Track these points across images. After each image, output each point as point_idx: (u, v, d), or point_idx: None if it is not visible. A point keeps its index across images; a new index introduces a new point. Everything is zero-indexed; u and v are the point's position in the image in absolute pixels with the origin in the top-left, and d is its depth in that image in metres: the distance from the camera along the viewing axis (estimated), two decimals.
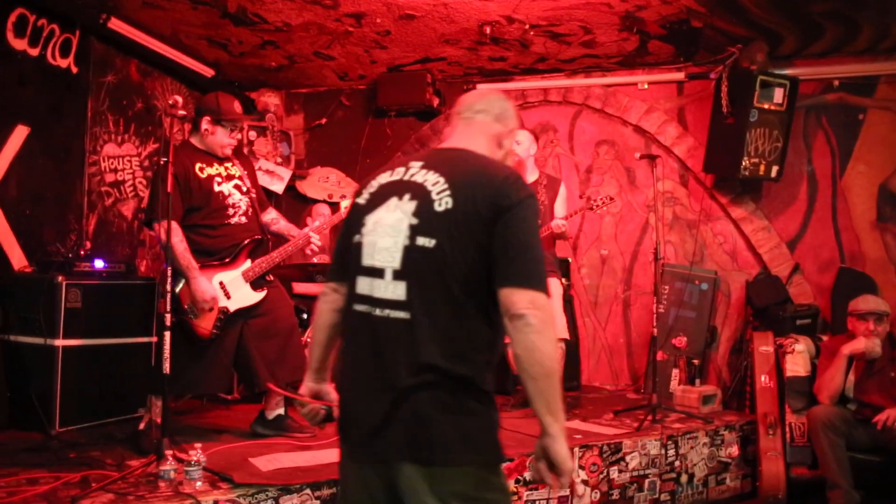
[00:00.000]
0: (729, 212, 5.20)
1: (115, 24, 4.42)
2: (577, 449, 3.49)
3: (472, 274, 1.55)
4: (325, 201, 5.69)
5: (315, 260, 4.54)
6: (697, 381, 4.81)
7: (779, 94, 4.69)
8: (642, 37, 4.76)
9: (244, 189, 3.51)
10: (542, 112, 5.69)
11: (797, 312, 4.70)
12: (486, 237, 1.55)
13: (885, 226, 4.86)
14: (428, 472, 1.52)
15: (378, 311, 1.60)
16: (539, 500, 3.36)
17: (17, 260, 3.95)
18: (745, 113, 4.66)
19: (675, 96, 5.37)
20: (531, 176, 4.45)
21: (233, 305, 3.37)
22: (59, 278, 3.60)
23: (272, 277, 3.56)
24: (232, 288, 3.37)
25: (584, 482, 3.50)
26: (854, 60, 4.86)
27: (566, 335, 4.28)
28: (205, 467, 2.71)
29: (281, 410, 3.60)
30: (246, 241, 3.43)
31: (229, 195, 3.44)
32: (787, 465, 4.00)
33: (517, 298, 1.51)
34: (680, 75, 5.28)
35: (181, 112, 2.97)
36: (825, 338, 4.42)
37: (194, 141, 3.48)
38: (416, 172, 1.68)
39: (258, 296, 3.44)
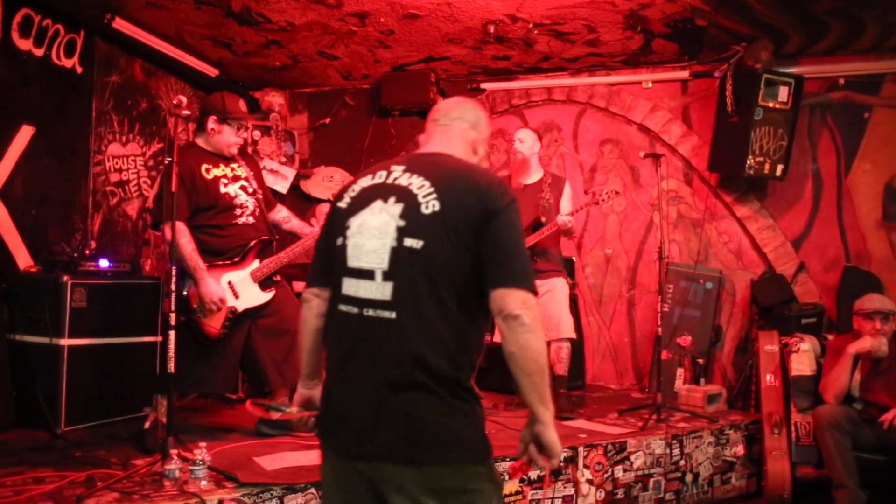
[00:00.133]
0: (734, 210, 5.18)
1: (120, 24, 4.43)
2: (581, 448, 3.49)
3: (458, 274, 1.61)
4: (329, 201, 5.65)
5: None
6: (702, 380, 4.80)
7: (783, 93, 4.68)
8: (646, 35, 4.75)
9: (250, 190, 3.52)
10: (546, 111, 5.68)
11: (802, 311, 4.69)
12: (474, 239, 1.61)
13: (891, 224, 4.85)
14: (421, 471, 1.56)
15: (366, 312, 1.64)
16: (543, 499, 3.36)
17: (23, 260, 3.97)
18: (749, 111, 4.65)
19: (679, 95, 5.36)
20: (535, 175, 4.45)
21: (241, 305, 3.38)
22: (65, 278, 3.61)
23: (279, 277, 3.57)
24: (240, 288, 3.38)
25: (589, 481, 3.50)
26: (859, 59, 4.84)
27: (573, 335, 4.28)
28: (210, 466, 2.72)
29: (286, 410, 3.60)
30: (254, 242, 3.45)
31: (236, 196, 3.45)
32: (793, 464, 3.99)
33: (510, 300, 1.57)
34: (684, 74, 5.27)
35: (185, 112, 2.98)
36: (831, 337, 4.41)
37: (200, 142, 3.49)
38: (400, 176, 1.72)
39: (266, 296, 3.46)
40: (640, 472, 3.70)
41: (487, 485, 1.64)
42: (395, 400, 1.58)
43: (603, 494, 3.55)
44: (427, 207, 1.64)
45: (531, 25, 4.59)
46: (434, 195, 1.65)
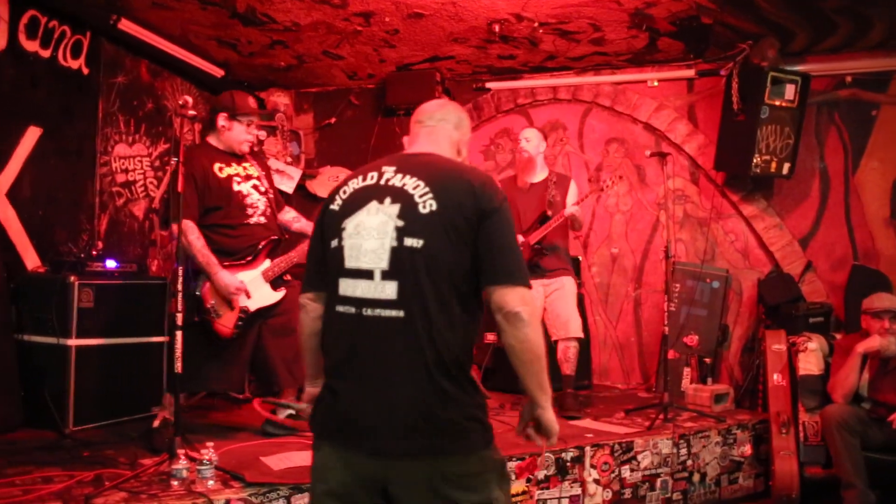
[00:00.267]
0: (740, 209, 5.17)
1: (125, 25, 4.44)
2: (588, 448, 3.48)
3: (457, 271, 1.66)
4: None
5: None
6: (709, 379, 4.78)
7: (790, 91, 4.66)
8: (652, 34, 4.74)
9: (262, 189, 3.53)
10: (551, 110, 5.68)
11: (810, 310, 4.67)
12: (472, 237, 1.67)
13: None
14: (433, 463, 1.61)
15: (365, 311, 1.67)
16: (550, 499, 3.36)
17: (31, 260, 3.98)
18: (756, 110, 4.63)
19: (685, 93, 5.34)
20: (541, 174, 4.45)
21: (253, 305, 3.40)
22: (72, 278, 3.63)
23: (289, 277, 3.58)
24: (252, 287, 3.40)
25: (596, 481, 3.49)
26: (867, 56, 4.81)
27: (581, 334, 4.28)
28: (217, 466, 2.73)
29: (292, 411, 3.61)
30: (265, 241, 3.45)
31: (248, 195, 3.46)
32: (801, 464, 3.97)
33: (510, 297, 1.65)
34: (690, 72, 5.25)
35: (191, 112, 2.98)
36: (839, 336, 4.39)
37: (212, 140, 3.50)
38: (393, 177, 1.75)
39: (277, 295, 3.47)
40: (647, 472, 3.69)
41: (492, 465, 1.71)
42: (405, 396, 1.62)
43: (610, 494, 3.54)
44: (424, 207, 1.67)
45: (536, 24, 4.59)
46: (430, 195, 1.69)
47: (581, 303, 4.77)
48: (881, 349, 3.78)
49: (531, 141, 4.42)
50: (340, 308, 1.72)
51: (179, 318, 2.88)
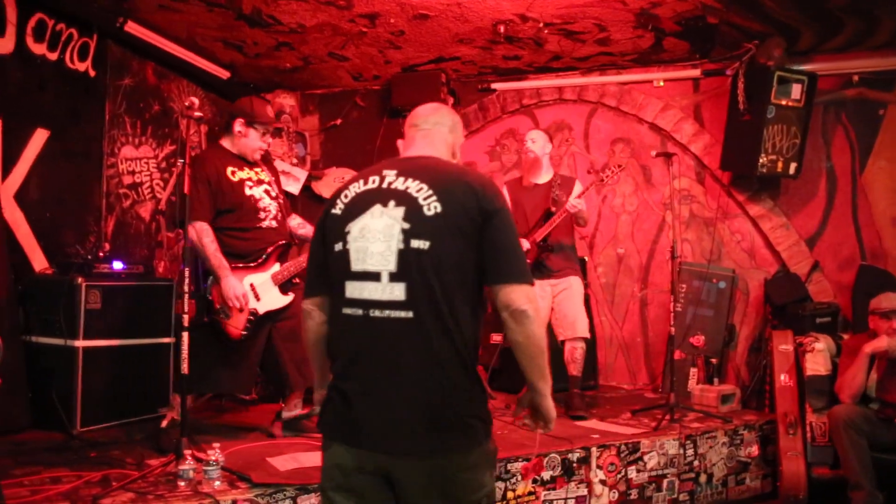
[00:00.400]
0: (746, 209, 5.15)
1: (132, 28, 4.46)
2: (594, 448, 3.48)
3: (463, 271, 1.71)
4: None
5: None
6: (716, 380, 4.77)
7: (796, 90, 4.64)
8: (657, 34, 4.73)
9: (273, 194, 3.56)
10: (557, 110, 5.67)
11: (817, 310, 4.65)
12: (476, 238, 1.72)
13: None
14: (444, 458, 1.67)
15: (373, 313, 1.70)
16: (556, 499, 3.36)
17: (38, 262, 4.00)
18: (762, 109, 4.62)
19: (691, 93, 5.33)
20: (546, 175, 4.45)
21: (262, 308, 3.41)
22: (79, 280, 3.64)
23: (298, 280, 3.59)
24: (262, 290, 3.41)
25: (602, 482, 3.49)
26: (874, 55, 4.79)
27: (588, 335, 4.27)
28: (223, 467, 2.74)
29: (299, 412, 3.62)
30: (276, 245, 3.48)
31: (260, 199, 3.49)
32: (808, 464, 3.96)
33: (516, 295, 1.70)
34: (696, 72, 5.24)
35: (197, 114, 3.00)
36: (846, 336, 4.37)
37: (225, 144, 3.53)
38: (394, 181, 1.78)
39: (287, 299, 3.49)
40: (653, 473, 3.69)
41: (487, 456, 1.78)
42: (414, 395, 1.67)
43: (616, 495, 3.54)
44: (429, 209, 1.71)
45: (541, 25, 4.58)
46: (434, 197, 1.72)
47: (587, 303, 4.76)
48: (889, 349, 3.76)
49: (537, 142, 4.42)
50: (347, 310, 1.75)
51: (186, 319, 2.89)
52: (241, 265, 3.38)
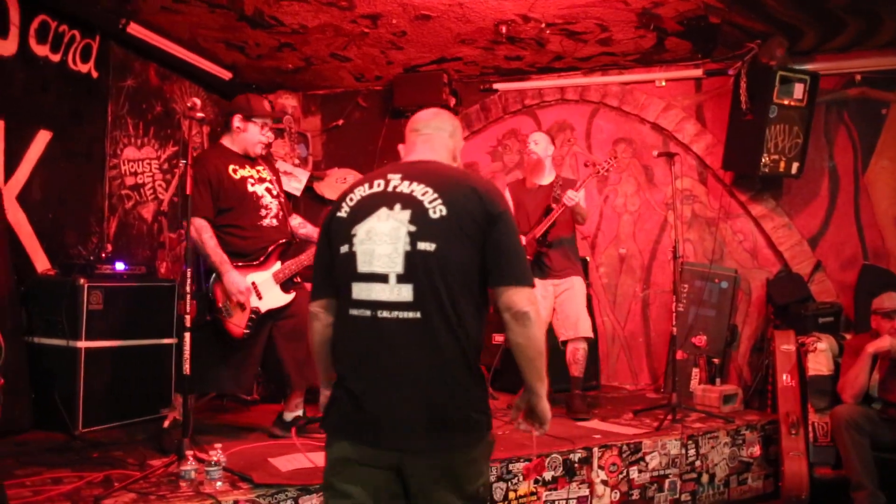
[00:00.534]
0: (749, 209, 5.14)
1: (134, 29, 4.47)
2: (596, 449, 3.47)
3: (467, 273, 1.76)
4: None
5: None
6: (718, 380, 4.76)
7: (799, 90, 4.64)
8: (659, 34, 4.73)
9: (274, 192, 3.57)
10: (558, 111, 5.67)
11: (819, 310, 4.64)
12: (481, 240, 1.76)
13: None
14: (451, 454, 1.73)
15: (380, 314, 1.74)
16: (558, 500, 3.35)
17: (41, 263, 4.01)
18: (764, 109, 4.61)
19: (693, 93, 5.32)
20: (549, 177, 4.45)
21: (264, 306, 3.42)
22: (81, 281, 3.65)
23: (299, 279, 3.60)
24: (263, 289, 3.42)
25: (604, 482, 3.49)
26: (877, 54, 4.78)
27: (590, 335, 4.27)
28: (225, 467, 2.74)
29: (300, 412, 3.62)
30: (277, 243, 3.48)
31: (262, 196, 3.50)
32: (810, 464, 3.95)
33: (518, 298, 1.75)
34: (698, 72, 5.23)
35: (200, 114, 3.00)
36: (848, 336, 4.36)
37: (226, 142, 3.54)
38: (399, 184, 1.83)
39: (288, 297, 3.49)
40: (655, 473, 3.68)
41: (488, 447, 1.86)
42: (423, 394, 1.72)
43: (618, 495, 3.54)
44: (435, 212, 1.75)
45: (543, 25, 4.58)
46: (439, 201, 1.76)
47: (589, 303, 4.76)
48: (891, 349, 3.75)
49: (539, 144, 4.42)
50: (354, 311, 1.79)
51: (188, 319, 2.90)
52: (242, 263, 3.38)
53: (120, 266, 3.93)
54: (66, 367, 3.60)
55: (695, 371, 4.90)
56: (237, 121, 3.49)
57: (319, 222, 4.39)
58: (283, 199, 3.62)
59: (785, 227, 5.04)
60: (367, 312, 1.76)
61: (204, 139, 5.03)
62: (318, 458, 3.08)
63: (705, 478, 3.87)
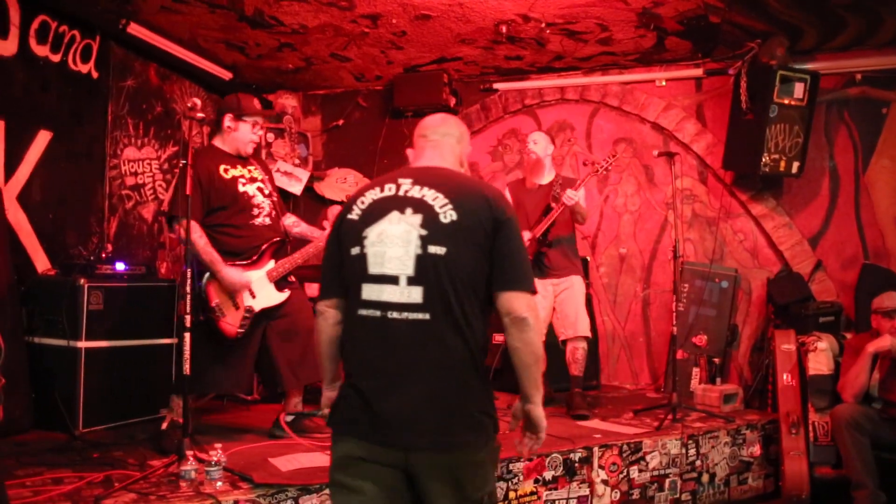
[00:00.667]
0: (749, 209, 5.14)
1: (134, 29, 4.47)
2: (596, 448, 3.47)
3: (475, 276, 1.80)
4: (342, 202, 5.68)
5: None
6: (718, 379, 4.76)
7: (799, 89, 4.63)
8: (659, 33, 4.72)
9: (266, 192, 3.56)
10: (559, 110, 5.67)
11: (820, 310, 4.64)
12: (488, 245, 1.80)
13: None
14: (458, 455, 1.76)
15: (390, 314, 1.77)
16: (558, 499, 3.35)
17: (41, 263, 4.02)
18: (764, 109, 4.61)
19: (693, 93, 5.32)
20: (548, 176, 4.45)
21: (258, 305, 3.41)
22: (82, 281, 3.65)
23: (293, 279, 3.59)
24: (257, 288, 3.42)
25: (604, 482, 3.49)
26: (877, 53, 4.78)
27: (589, 334, 4.27)
28: (225, 467, 2.74)
29: (299, 412, 3.62)
30: (270, 242, 3.47)
31: (253, 196, 3.50)
32: (811, 464, 3.96)
33: (518, 303, 1.79)
34: (698, 72, 5.23)
35: (200, 114, 3.00)
36: (849, 335, 4.36)
37: (217, 143, 3.54)
38: (410, 189, 1.86)
39: (282, 296, 3.49)
40: (655, 473, 3.68)
41: (494, 452, 1.87)
42: (432, 393, 1.74)
43: (618, 495, 3.53)
44: (445, 217, 1.80)
45: (543, 25, 4.58)
46: (450, 206, 1.81)
47: (589, 303, 4.77)
48: (892, 349, 3.75)
49: (539, 143, 4.43)
50: (364, 312, 1.82)
51: (188, 320, 2.90)
52: (236, 262, 3.37)
53: (120, 266, 3.94)
54: (67, 367, 3.60)
55: (695, 371, 4.90)
56: (228, 120, 3.48)
57: (319, 222, 4.40)
58: (275, 199, 3.61)
59: (785, 227, 5.04)
60: (377, 313, 1.79)
61: (204, 139, 5.03)
62: (317, 457, 3.09)
63: (706, 477, 3.87)
